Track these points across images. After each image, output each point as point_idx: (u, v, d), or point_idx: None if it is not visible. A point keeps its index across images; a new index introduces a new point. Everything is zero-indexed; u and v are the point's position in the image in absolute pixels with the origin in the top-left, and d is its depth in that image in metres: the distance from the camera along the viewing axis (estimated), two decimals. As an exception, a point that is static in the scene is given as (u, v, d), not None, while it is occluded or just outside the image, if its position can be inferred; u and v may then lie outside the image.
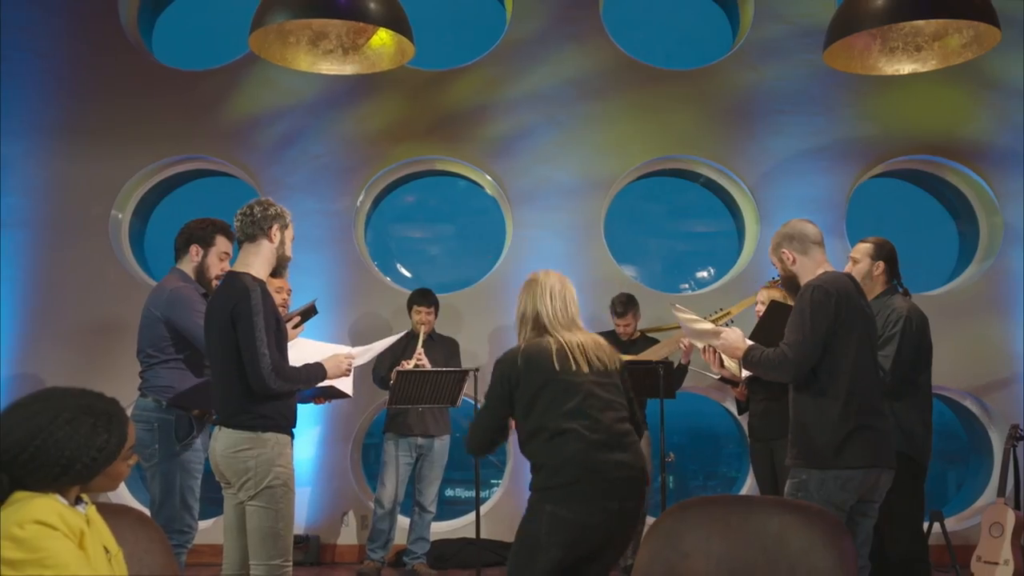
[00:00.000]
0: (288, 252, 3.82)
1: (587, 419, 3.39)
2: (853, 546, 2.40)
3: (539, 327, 3.60)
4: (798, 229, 3.82)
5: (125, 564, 2.32)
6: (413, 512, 6.46)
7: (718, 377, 5.17)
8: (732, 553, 2.53)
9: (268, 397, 3.59)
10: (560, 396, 3.42)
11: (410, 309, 6.45)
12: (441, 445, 6.42)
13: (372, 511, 6.53)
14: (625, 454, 3.41)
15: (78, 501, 2.23)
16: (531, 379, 3.46)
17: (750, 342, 3.88)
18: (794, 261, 3.81)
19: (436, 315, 6.45)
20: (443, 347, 6.42)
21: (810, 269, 3.79)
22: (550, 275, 3.71)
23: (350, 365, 3.95)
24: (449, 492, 15.47)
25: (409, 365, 5.81)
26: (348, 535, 6.92)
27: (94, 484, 2.21)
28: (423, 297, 6.45)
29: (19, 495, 2.10)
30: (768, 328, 4.26)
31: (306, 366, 3.78)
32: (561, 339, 3.53)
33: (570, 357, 3.48)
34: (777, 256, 3.86)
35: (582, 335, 3.58)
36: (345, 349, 4.12)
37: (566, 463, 3.35)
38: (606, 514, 3.32)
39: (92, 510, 2.28)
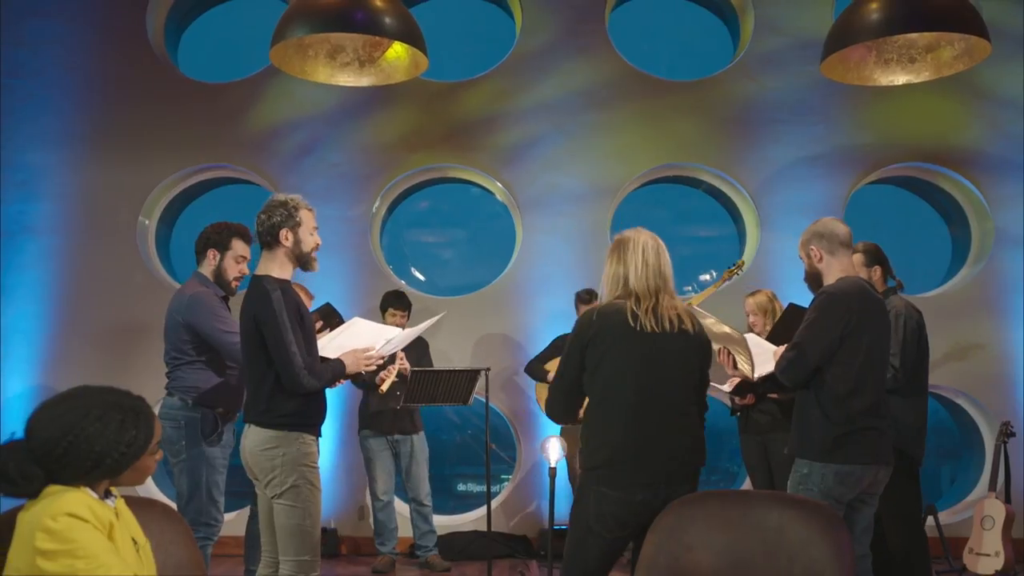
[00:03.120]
0: (307, 247, 3.66)
1: (641, 395, 3.14)
2: (850, 539, 2.39)
3: (626, 289, 3.27)
4: (829, 228, 3.75)
5: (152, 555, 2.34)
6: (412, 510, 6.41)
7: (729, 395, 5.07)
8: (733, 545, 2.52)
9: (300, 395, 3.53)
10: (619, 366, 3.16)
11: (384, 311, 6.37)
12: (419, 440, 6.37)
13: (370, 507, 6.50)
14: (674, 436, 3.17)
15: (107, 495, 2.25)
16: (602, 341, 3.18)
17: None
18: (820, 259, 3.76)
19: (408, 317, 6.39)
20: (415, 347, 6.27)
21: (834, 270, 3.74)
22: (641, 232, 3.36)
23: (368, 360, 3.80)
24: (461, 487, 15.45)
25: (393, 374, 5.61)
26: (364, 528, 6.93)
27: (123, 478, 2.23)
28: (398, 300, 6.39)
29: (52, 489, 2.12)
30: (785, 331, 4.24)
31: (329, 364, 3.68)
32: (638, 299, 3.21)
33: (645, 322, 3.17)
34: (805, 252, 3.81)
35: (668, 299, 3.27)
36: (394, 331, 4.03)
37: (609, 443, 3.15)
38: (653, 494, 3.10)
39: (121, 503, 2.30)
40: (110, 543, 2.10)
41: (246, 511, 6.38)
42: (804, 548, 2.39)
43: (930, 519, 6.13)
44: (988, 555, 5.66)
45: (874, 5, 4.72)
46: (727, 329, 4.08)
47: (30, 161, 7.14)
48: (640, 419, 3.14)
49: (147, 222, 7.37)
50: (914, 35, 4.91)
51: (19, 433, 2.18)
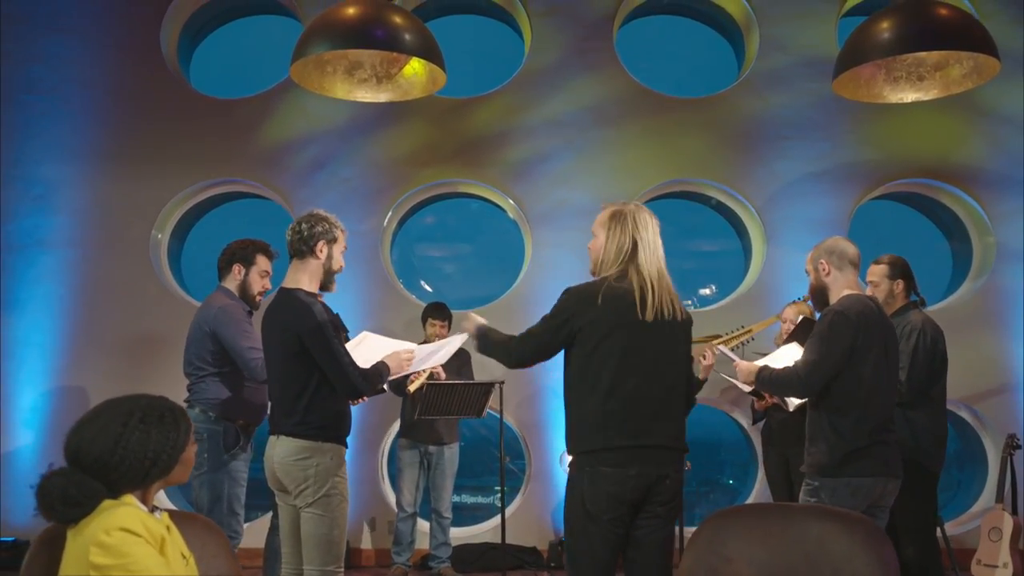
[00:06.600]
0: (336, 266, 3.69)
1: (641, 386, 3.06)
2: (893, 551, 2.37)
3: (633, 264, 3.18)
4: (840, 246, 3.86)
5: (196, 569, 2.31)
6: (431, 520, 6.41)
7: (749, 391, 5.15)
8: (774, 558, 2.49)
9: (353, 400, 3.64)
10: (622, 354, 3.07)
11: (425, 322, 6.38)
12: (451, 452, 6.37)
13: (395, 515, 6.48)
14: (667, 425, 3.11)
15: (153, 509, 2.23)
16: (599, 323, 3.09)
17: (760, 364, 3.94)
18: (828, 273, 3.84)
19: (449, 327, 6.36)
20: (456, 357, 6.26)
21: (839, 285, 3.82)
22: (641, 208, 3.25)
23: (410, 361, 3.82)
24: (456, 498, 15.29)
25: (424, 376, 5.62)
26: (375, 539, 6.88)
27: (173, 474, 2.23)
28: (438, 311, 6.39)
29: (106, 504, 2.10)
30: (798, 343, 4.27)
31: (375, 366, 3.67)
32: (648, 284, 3.12)
33: (650, 306, 3.09)
34: (814, 265, 3.89)
35: (667, 284, 3.19)
36: (409, 345, 3.96)
37: (606, 429, 3.05)
38: (645, 470, 3.04)
39: (167, 517, 2.27)
40: (162, 558, 2.09)
41: (261, 522, 6.35)
42: (847, 561, 2.36)
43: (937, 530, 6.11)
44: (997, 567, 5.64)
45: (885, 24, 4.73)
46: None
47: (45, 175, 7.12)
48: (638, 409, 3.07)
49: (160, 236, 7.34)
50: (923, 53, 4.92)
51: (55, 465, 2.17)
